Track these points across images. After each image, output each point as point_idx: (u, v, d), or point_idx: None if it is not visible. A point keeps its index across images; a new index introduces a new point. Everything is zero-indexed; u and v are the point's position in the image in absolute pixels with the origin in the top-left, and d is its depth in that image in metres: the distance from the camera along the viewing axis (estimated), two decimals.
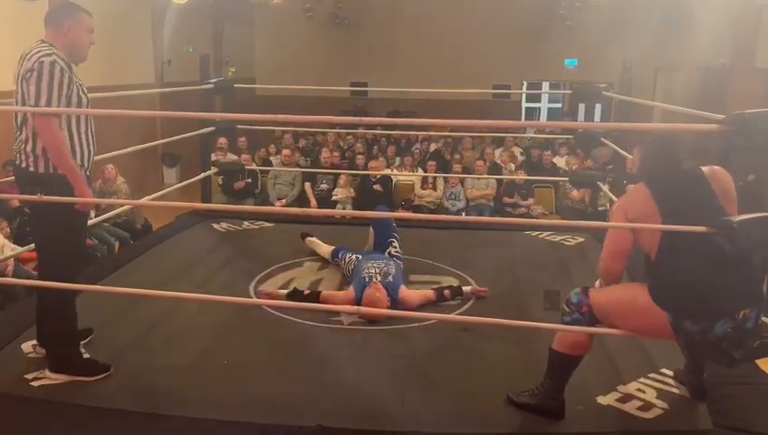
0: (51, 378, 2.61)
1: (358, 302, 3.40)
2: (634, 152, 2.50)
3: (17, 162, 2.63)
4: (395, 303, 3.44)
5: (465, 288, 3.69)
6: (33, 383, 2.57)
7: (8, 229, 5.16)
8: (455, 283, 3.83)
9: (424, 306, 3.48)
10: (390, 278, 3.53)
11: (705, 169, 2.26)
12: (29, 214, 2.70)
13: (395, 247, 3.95)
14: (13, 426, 2.31)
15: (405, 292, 3.52)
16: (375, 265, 3.62)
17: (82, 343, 2.88)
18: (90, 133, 2.70)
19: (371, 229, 4.15)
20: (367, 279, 3.50)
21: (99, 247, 5.74)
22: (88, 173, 2.70)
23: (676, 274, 2.11)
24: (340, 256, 3.99)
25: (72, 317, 2.70)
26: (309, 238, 4.40)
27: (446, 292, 3.62)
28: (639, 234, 2.22)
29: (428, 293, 3.60)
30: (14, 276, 4.76)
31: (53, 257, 2.67)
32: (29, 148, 2.57)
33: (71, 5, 2.69)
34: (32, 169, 2.58)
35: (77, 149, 2.63)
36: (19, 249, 4.17)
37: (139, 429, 2.31)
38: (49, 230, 2.65)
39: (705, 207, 2.16)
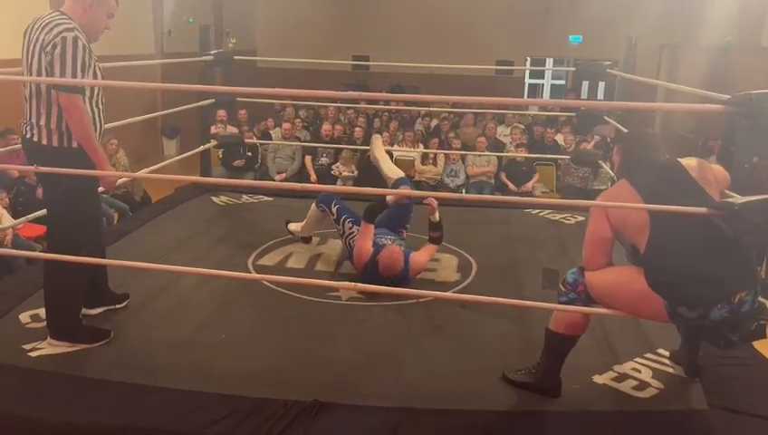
0: (53, 345, 2.63)
1: (373, 260, 3.43)
2: (614, 152, 2.54)
3: (27, 135, 2.59)
4: (407, 273, 3.46)
5: (434, 217, 3.64)
6: (30, 354, 2.58)
7: (7, 200, 5.15)
8: (453, 261, 3.83)
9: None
10: (403, 248, 3.55)
11: (682, 160, 2.28)
12: (42, 185, 2.69)
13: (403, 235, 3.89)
14: (10, 397, 2.31)
15: (414, 256, 3.55)
16: (388, 237, 3.65)
17: (118, 306, 2.97)
18: (102, 107, 2.68)
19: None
20: (381, 243, 3.53)
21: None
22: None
23: (671, 260, 2.10)
24: (342, 217, 3.77)
25: (78, 287, 2.71)
26: (291, 225, 4.16)
27: (433, 235, 3.63)
28: (626, 226, 2.22)
29: (428, 248, 3.62)
30: (13, 247, 4.76)
31: (63, 229, 2.66)
32: (42, 121, 2.53)
33: None
34: (44, 142, 2.55)
35: (95, 127, 2.62)
36: (17, 220, 4.16)
37: (135, 401, 2.31)
38: (60, 202, 2.64)
39: (689, 193, 2.16)
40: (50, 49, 2.43)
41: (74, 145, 2.56)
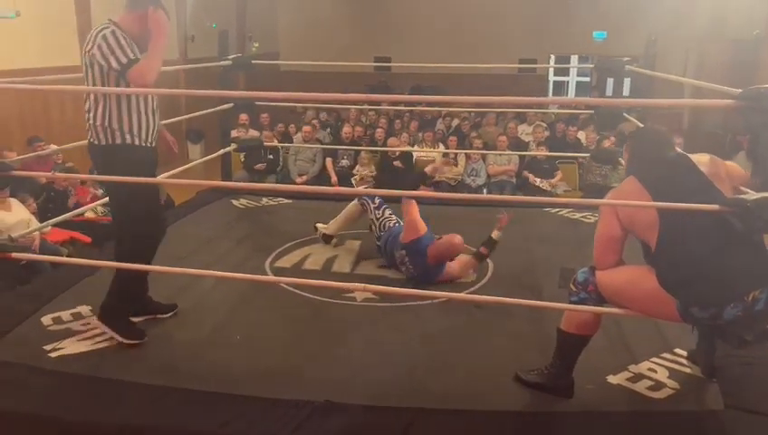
0: (95, 325, 2.79)
1: (425, 239, 3.55)
2: (624, 150, 2.51)
3: (90, 139, 2.73)
4: (439, 272, 3.56)
5: (494, 234, 3.65)
6: (51, 355, 2.64)
7: (34, 205, 5.28)
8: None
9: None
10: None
11: (693, 156, 2.23)
12: (105, 186, 2.92)
13: None
14: (30, 396, 2.37)
15: (450, 263, 3.60)
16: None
17: (163, 316, 3.03)
18: (155, 107, 2.77)
19: None
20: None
21: None
22: (153, 144, 2.79)
23: (682, 259, 2.06)
24: (382, 206, 3.95)
25: (139, 284, 2.88)
26: (319, 224, 4.24)
27: (482, 249, 3.63)
28: (635, 223, 2.18)
29: (468, 260, 3.62)
30: (39, 251, 4.87)
31: (129, 228, 2.78)
32: (90, 120, 2.68)
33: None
34: (95, 141, 2.69)
35: (143, 123, 2.71)
36: (44, 224, 4.25)
37: (152, 401, 2.36)
38: (121, 201, 2.79)
39: (699, 189, 2.11)
40: (94, 51, 2.56)
41: (126, 141, 2.67)
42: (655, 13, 9.91)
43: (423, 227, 3.59)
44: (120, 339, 2.74)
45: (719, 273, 2.02)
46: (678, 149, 2.37)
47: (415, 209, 3.63)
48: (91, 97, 2.66)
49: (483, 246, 3.63)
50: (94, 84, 2.64)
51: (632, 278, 2.19)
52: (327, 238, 4.14)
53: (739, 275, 2.01)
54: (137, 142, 2.70)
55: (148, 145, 2.75)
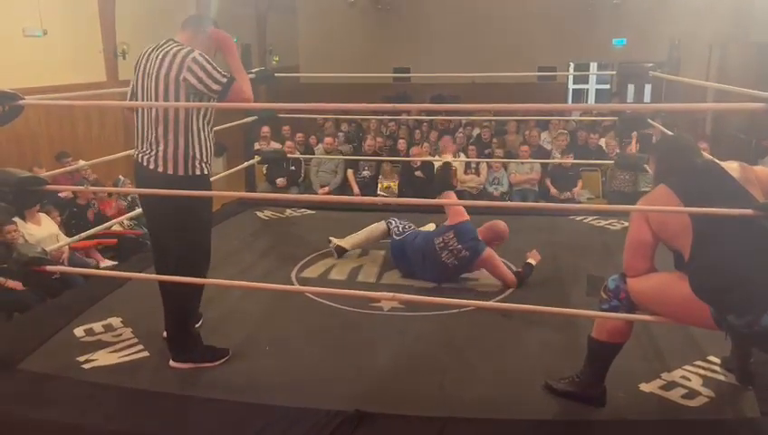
0: (175, 367, 2.67)
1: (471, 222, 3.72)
2: (649, 161, 2.52)
3: (149, 165, 2.57)
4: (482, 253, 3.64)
5: (530, 260, 3.73)
6: (84, 366, 2.68)
7: (59, 219, 5.38)
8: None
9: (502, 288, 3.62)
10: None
11: (722, 163, 2.21)
12: (158, 214, 2.67)
13: None
14: (63, 406, 2.41)
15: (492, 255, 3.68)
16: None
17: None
18: (212, 134, 2.69)
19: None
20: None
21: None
22: (209, 170, 2.68)
23: (716, 265, 2.03)
24: (403, 232, 3.97)
25: (190, 307, 2.76)
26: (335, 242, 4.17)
27: (519, 270, 3.68)
28: (667, 230, 2.15)
29: (508, 272, 3.65)
30: (69, 264, 4.96)
31: (175, 256, 2.65)
32: (161, 149, 2.54)
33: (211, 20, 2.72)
34: (167, 171, 2.55)
35: (204, 151, 2.61)
36: (75, 238, 4.32)
37: (182, 411, 2.38)
38: (172, 228, 2.63)
39: (732, 194, 2.08)
40: (186, 72, 2.46)
41: (204, 172, 2.61)
42: (674, 18, 9.85)
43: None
44: (209, 365, 2.68)
45: (755, 279, 1.98)
46: (707, 156, 2.35)
47: (455, 199, 3.73)
48: (171, 125, 2.53)
49: (521, 267, 3.70)
50: (177, 111, 2.53)
51: (664, 285, 2.16)
52: (340, 251, 4.10)
53: None
54: (206, 171, 2.64)
55: (208, 171, 2.68)
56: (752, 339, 2.15)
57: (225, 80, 2.49)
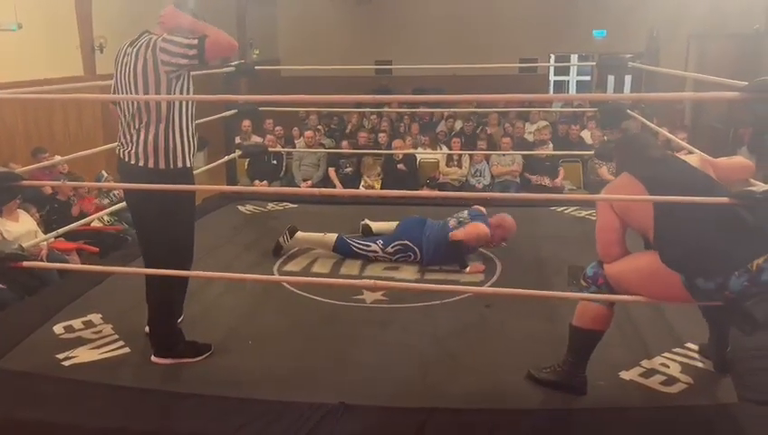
0: (156, 362, 2.65)
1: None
2: (614, 161, 2.66)
3: (126, 159, 2.55)
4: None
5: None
6: (64, 363, 2.65)
7: (38, 215, 5.30)
8: (477, 261, 3.84)
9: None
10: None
11: (680, 156, 2.36)
12: (140, 209, 2.64)
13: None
14: (44, 404, 2.38)
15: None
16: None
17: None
18: (193, 127, 2.63)
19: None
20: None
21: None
22: (190, 165, 2.64)
23: (681, 233, 2.11)
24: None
25: (171, 301, 2.73)
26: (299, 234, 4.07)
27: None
28: (630, 215, 2.25)
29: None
30: (48, 261, 4.89)
31: (158, 249, 2.63)
32: (140, 141, 2.51)
33: None
34: (147, 165, 2.52)
35: (186, 143, 2.57)
36: (53, 233, 4.27)
37: (165, 406, 2.37)
38: (156, 222, 2.59)
39: (688, 174, 2.22)
40: (161, 53, 2.43)
41: (186, 164, 2.57)
42: (653, 9, 9.92)
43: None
44: (191, 360, 2.67)
45: (720, 241, 2.06)
46: (665, 150, 2.47)
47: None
48: (153, 117, 2.49)
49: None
50: (158, 104, 2.49)
51: (637, 263, 2.24)
52: (277, 250, 4.00)
53: (740, 242, 2.04)
54: (188, 164, 2.60)
55: (190, 167, 2.64)
56: (726, 313, 2.18)
57: (196, 41, 2.45)
